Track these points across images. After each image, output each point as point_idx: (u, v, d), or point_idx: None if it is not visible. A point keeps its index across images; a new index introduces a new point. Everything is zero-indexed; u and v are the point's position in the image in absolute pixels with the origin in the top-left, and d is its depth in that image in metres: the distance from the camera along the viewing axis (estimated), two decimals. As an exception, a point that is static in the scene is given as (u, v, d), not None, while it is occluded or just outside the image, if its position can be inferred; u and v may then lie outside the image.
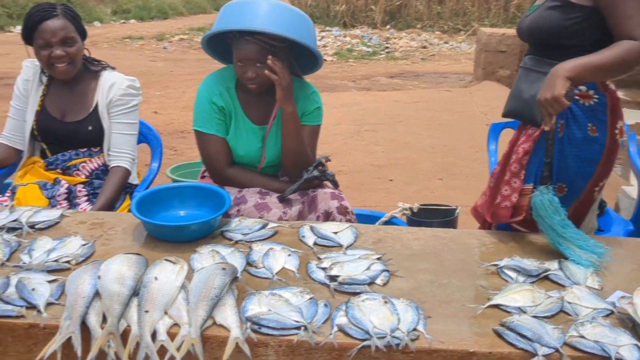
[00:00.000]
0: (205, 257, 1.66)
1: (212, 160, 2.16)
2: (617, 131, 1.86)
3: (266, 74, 1.98)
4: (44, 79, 2.30)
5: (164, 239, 1.77)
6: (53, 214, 1.90)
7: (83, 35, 2.26)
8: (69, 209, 2.19)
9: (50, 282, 1.51)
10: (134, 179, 2.40)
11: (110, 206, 2.20)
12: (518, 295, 1.48)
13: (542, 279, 1.61)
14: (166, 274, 1.45)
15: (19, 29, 15.61)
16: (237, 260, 1.65)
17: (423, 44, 14.46)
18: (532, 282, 1.58)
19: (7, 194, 2.21)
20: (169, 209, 1.94)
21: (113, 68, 2.39)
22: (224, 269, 1.48)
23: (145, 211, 1.83)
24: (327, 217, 2.07)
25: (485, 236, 1.89)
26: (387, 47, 13.95)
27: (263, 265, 1.64)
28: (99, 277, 1.41)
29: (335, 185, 2.18)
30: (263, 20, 1.95)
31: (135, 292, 1.40)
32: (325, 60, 12.04)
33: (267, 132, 2.17)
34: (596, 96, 1.83)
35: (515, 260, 1.67)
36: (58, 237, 1.77)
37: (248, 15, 1.98)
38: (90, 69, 2.32)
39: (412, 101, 7.87)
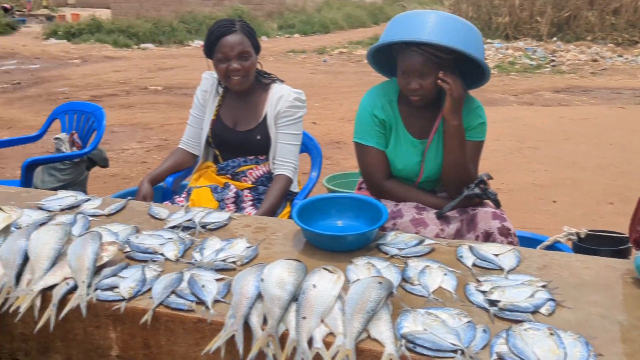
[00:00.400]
0: (361, 269, 1.67)
1: (370, 173, 2.17)
2: None
3: (439, 83, 1.95)
4: (220, 90, 2.48)
5: (321, 247, 1.81)
6: (222, 216, 2.03)
7: (257, 49, 2.40)
8: (236, 212, 2.33)
9: (217, 280, 1.61)
10: (294, 187, 2.50)
11: (273, 212, 2.30)
12: None
13: None
14: (324, 283, 1.48)
15: (197, 43, 17.07)
16: (392, 275, 1.64)
17: (593, 57, 13.44)
18: None
19: (184, 195, 2.41)
20: (327, 219, 1.98)
21: (282, 81, 2.51)
22: (380, 282, 1.47)
23: (305, 219, 1.88)
24: (487, 237, 1.99)
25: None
26: (552, 60, 13.16)
27: (419, 283, 1.61)
28: (262, 280, 1.47)
29: (497, 204, 2.09)
30: (430, 31, 1.93)
31: (295, 298, 1.45)
32: (485, 73, 11.70)
33: (427, 145, 2.14)
34: None
35: None
36: (226, 238, 1.88)
37: (415, 26, 1.97)
38: (262, 82, 2.45)
39: (580, 118, 7.34)
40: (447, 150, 2.05)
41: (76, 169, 3.03)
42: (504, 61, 13.10)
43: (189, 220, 1.98)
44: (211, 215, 2.03)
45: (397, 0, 42.49)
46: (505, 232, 1.98)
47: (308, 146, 2.73)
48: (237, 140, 2.42)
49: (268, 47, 16.55)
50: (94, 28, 16.89)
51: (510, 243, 1.96)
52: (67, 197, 2.19)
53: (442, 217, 2.06)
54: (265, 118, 2.41)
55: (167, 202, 2.38)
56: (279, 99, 2.40)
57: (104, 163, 3.19)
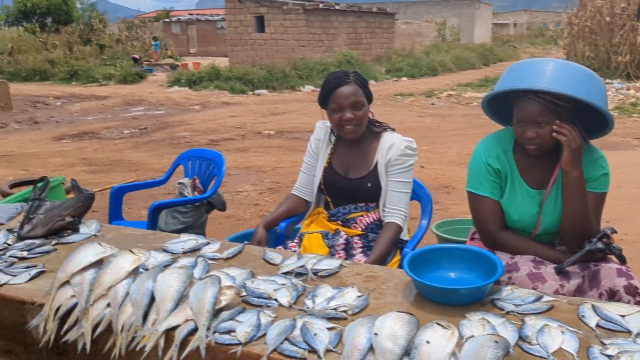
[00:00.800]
0: (475, 325, 1.62)
1: (484, 223, 2.12)
2: None
3: (554, 136, 1.90)
4: (333, 138, 2.55)
5: (433, 300, 1.78)
6: (333, 264, 2.06)
7: (369, 99, 2.45)
8: (346, 258, 2.36)
9: (329, 329, 1.63)
10: (404, 235, 2.49)
11: (383, 260, 2.31)
12: None
13: None
14: (437, 338, 1.45)
15: (307, 88, 17.68)
16: (508, 332, 1.57)
17: None
18: None
19: (296, 240, 2.48)
20: (439, 270, 1.95)
21: (393, 129, 2.54)
22: (496, 341, 1.43)
23: (416, 269, 1.86)
24: (612, 296, 1.86)
25: None
26: (681, 101, 12.28)
27: (537, 343, 1.54)
28: (375, 334, 1.47)
29: (623, 260, 1.96)
30: (549, 79, 1.89)
31: (407, 352, 1.43)
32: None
33: (545, 197, 2.07)
34: None
35: None
36: (337, 286, 1.90)
37: (533, 74, 1.93)
38: (373, 130, 2.50)
39: None
40: (566, 203, 1.97)
41: (197, 212, 3.22)
42: (625, 102, 12.39)
43: (301, 266, 2.03)
44: (323, 262, 2.07)
45: (507, 42, 41.74)
46: (632, 291, 1.84)
47: (418, 193, 2.72)
48: (348, 187, 2.47)
49: (376, 90, 16.69)
50: (213, 76, 18.02)
51: (638, 303, 1.83)
52: (189, 240, 2.32)
53: (561, 273, 1.96)
54: (376, 166, 2.44)
55: (280, 246, 2.46)
56: (390, 147, 2.43)
57: (222, 207, 3.37)
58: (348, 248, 2.42)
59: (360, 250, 2.41)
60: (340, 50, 22.66)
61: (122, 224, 3.29)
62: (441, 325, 1.51)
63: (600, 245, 1.95)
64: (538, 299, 1.77)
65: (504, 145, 2.11)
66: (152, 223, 3.00)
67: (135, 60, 24.33)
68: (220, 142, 8.68)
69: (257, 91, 16.86)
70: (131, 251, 1.93)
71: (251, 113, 12.22)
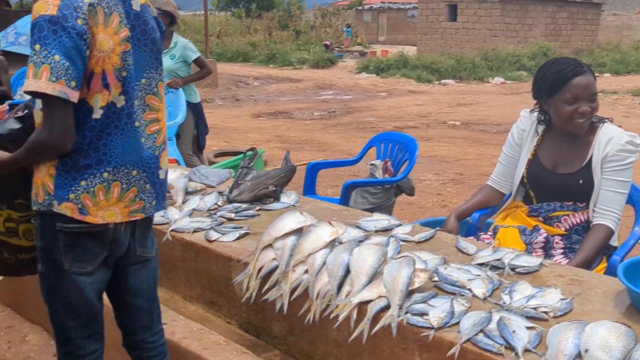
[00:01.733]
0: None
1: None
2: None
3: None
4: (540, 129, 2.38)
5: (651, 316, 1.60)
6: (533, 262, 1.94)
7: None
8: (545, 258, 2.21)
9: (528, 328, 1.54)
10: (614, 241, 2.26)
11: (588, 264, 2.12)
12: None
13: None
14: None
15: (497, 80, 16.95)
16: None
17: None
18: None
19: (489, 233, 2.37)
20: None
21: (611, 121, 2.30)
22: None
23: (632, 279, 1.68)
24: None
25: None
26: None
27: None
28: (585, 351, 1.35)
29: None
30: None
31: (624, 366, 1.30)
32: None
33: None
34: None
35: None
36: (537, 284, 1.79)
37: None
38: (591, 122, 2.28)
39: None
40: None
41: (386, 194, 3.24)
42: None
43: (497, 259, 1.94)
44: (521, 258, 1.96)
45: None
46: None
47: (633, 197, 2.44)
48: (555, 182, 2.29)
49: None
50: (400, 64, 18.04)
51: None
52: (382, 220, 2.35)
53: None
54: (590, 161, 2.23)
55: (471, 237, 2.38)
56: (609, 141, 2.20)
57: (411, 192, 3.35)
58: (547, 247, 2.25)
59: (562, 251, 2.23)
60: (535, 42, 21.32)
61: (316, 197, 3.44)
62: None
63: None
64: None
65: None
66: (345, 200, 3.08)
67: (326, 46, 25.23)
68: (405, 130, 8.65)
69: (443, 81, 16.54)
70: (330, 223, 2.00)
71: (436, 102, 12.03)
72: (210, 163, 5.13)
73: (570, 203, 2.27)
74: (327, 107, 11.14)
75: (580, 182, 2.23)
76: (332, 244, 1.95)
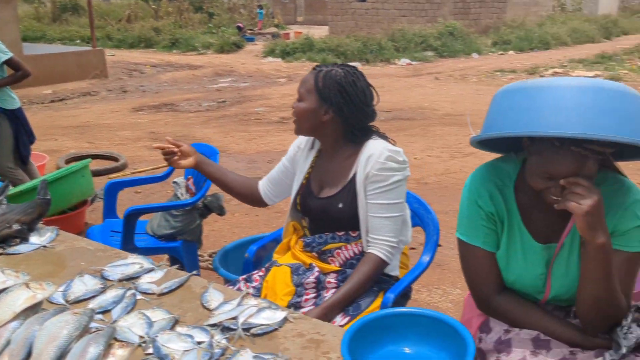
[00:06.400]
0: None
1: (475, 281, 1.61)
2: None
3: (557, 207, 1.36)
4: (318, 145, 2.12)
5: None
6: (276, 317, 1.65)
7: (331, 101, 1.95)
8: (316, 299, 1.94)
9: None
10: (393, 270, 2.02)
11: (350, 301, 1.87)
12: None
13: None
14: None
15: (403, 61, 16.93)
16: None
17: None
18: None
19: (261, 273, 2.07)
20: (400, 342, 1.50)
21: (383, 136, 2.03)
22: None
23: (371, 340, 1.45)
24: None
25: None
26: None
27: None
28: None
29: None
30: (584, 117, 1.29)
31: None
32: None
33: (555, 253, 1.52)
34: None
35: None
36: (268, 350, 1.51)
37: (556, 108, 1.32)
38: (354, 138, 2.00)
39: None
40: (585, 276, 1.41)
41: (188, 216, 2.89)
42: None
43: (232, 318, 1.64)
44: (262, 313, 1.66)
45: (637, 12, 37.89)
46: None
47: (422, 219, 2.20)
48: (320, 208, 2.01)
49: (475, 65, 15.72)
50: (306, 47, 17.69)
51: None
52: (134, 264, 2.01)
53: None
54: (351, 182, 1.97)
55: (243, 276, 2.08)
56: (369, 158, 1.93)
57: (220, 211, 3.01)
58: (320, 288, 1.98)
59: (334, 290, 1.96)
60: (444, 21, 21.49)
61: (115, 223, 3.06)
62: None
63: (637, 331, 1.40)
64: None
65: (501, 180, 1.56)
66: (127, 231, 2.71)
67: (239, 28, 24.55)
68: (288, 121, 8.36)
69: (349, 64, 16.35)
70: (28, 285, 1.63)
71: (336, 87, 11.76)
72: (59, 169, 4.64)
73: (342, 233, 2.00)
74: (219, 97, 10.64)
75: (340, 205, 1.96)
76: (27, 313, 1.59)
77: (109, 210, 3.07)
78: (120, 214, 3.04)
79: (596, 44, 23.13)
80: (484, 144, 1.53)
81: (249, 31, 25.63)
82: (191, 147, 2.17)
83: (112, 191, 3.09)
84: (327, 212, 1.98)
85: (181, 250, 2.87)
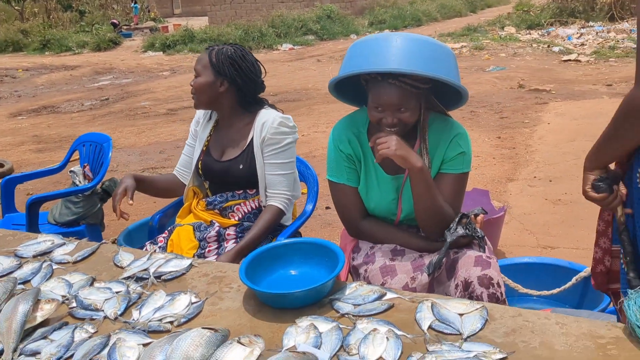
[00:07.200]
0: (300, 333, 1.49)
1: (344, 212, 1.98)
2: None
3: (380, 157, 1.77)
4: (214, 117, 2.41)
5: (268, 305, 1.66)
6: (182, 264, 1.92)
7: (225, 73, 2.23)
8: (218, 252, 2.22)
9: (145, 344, 1.51)
10: (287, 221, 2.35)
11: (254, 245, 2.17)
12: None
13: None
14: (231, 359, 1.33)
15: (285, 46, 17.27)
16: (331, 341, 1.45)
17: None
18: None
19: (164, 234, 2.32)
20: (288, 266, 1.82)
21: (272, 106, 2.37)
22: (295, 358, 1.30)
23: (263, 269, 1.75)
24: (467, 287, 1.73)
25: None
26: (662, 41, 11.94)
27: (357, 352, 1.41)
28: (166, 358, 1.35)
29: (482, 246, 1.82)
30: (400, 58, 1.70)
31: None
32: (579, 61, 10.82)
33: (403, 182, 1.92)
34: None
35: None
36: (177, 291, 1.77)
37: (381, 53, 1.74)
38: (248, 108, 2.32)
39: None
40: (414, 195, 1.82)
41: (88, 201, 3.06)
42: (604, 46, 12.07)
43: (144, 270, 1.90)
44: (170, 263, 1.93)
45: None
46: (486, 282, 1.71)
47: (304, 174, 2.56)
48: (222, 170, 2.31)
49: (349, 46, 16.31)
50: (187, 39, 17.58)
51: (492, 295, 1.70)
52: (44, 241, 2.19)
53: (431, 275, 1.82)
54: (249, 146, 2.28)
55: (149, 241, 2.32)
56: (263, 125, 2.26)
57: (119, 195, 3.19)
58: (221, 240, 2.27)
59: (234, 241, 2.26)
60: (321, 5, 22.06)
61: (15, 217, 3.16)
62: (241, 343, 1.38)
63: (460, 231, 1.81)
64: (380, 297, 1.64)
65: (356, 127, 1.94)
66: (31, 218, 2.85)
67: (114, 25, 23.75)
68: (179, 111, 8.46)
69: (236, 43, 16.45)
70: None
71: (221, 77, 11.89)
72: None
73: (241, 191, 2.31)
74: (101, 95, 10.47)
75: (241, 167, 2.27)
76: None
77: (7, 206, 3.15)
78: (19, 209, 3.14)
79: (463, 17, 24.71)
80: (342, 95, 1.92)
81: (125, 27, 24.86)
82: (130, 181, 2.27)
83: (8, 187, 3.17)
84: (229, 173, 2.28)
85: (86, 233, 3.03)
